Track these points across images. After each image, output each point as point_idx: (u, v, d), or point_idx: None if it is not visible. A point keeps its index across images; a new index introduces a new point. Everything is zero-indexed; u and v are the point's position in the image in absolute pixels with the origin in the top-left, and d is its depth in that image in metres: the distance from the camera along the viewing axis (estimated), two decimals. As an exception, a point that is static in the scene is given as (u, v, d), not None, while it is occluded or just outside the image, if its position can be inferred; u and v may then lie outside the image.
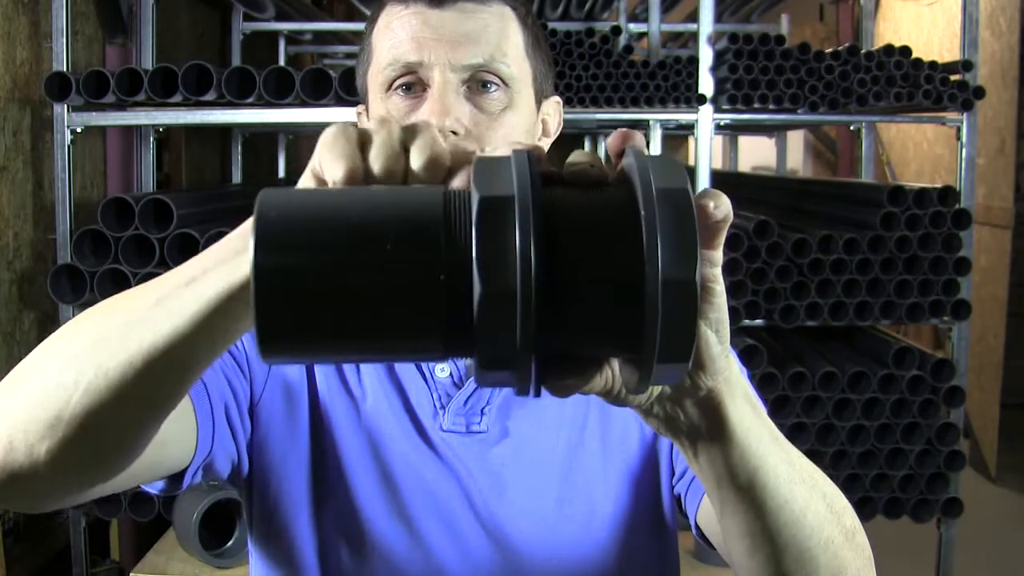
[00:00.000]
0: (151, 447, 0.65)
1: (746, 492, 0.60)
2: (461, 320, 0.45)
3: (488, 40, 0.84)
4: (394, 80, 0.85)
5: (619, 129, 0.53)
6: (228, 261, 0.57)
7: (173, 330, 0.56)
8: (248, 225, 0.57)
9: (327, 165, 0.53)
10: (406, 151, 0.53)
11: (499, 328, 0.44)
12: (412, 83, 0.85)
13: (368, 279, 0.46)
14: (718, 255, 0.53)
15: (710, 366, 0.54)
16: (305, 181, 0.55)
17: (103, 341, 0.58)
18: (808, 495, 0.63)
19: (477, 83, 0.84)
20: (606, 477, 0.91)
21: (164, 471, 0.78)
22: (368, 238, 0.46)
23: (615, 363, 0.54)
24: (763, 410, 0.62)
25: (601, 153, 4.15)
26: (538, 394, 0.48)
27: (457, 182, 0.53)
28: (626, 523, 0.90)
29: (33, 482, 0.60)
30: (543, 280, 0.44)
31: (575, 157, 0.51)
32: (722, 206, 0.51)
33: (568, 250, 0.46)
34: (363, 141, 0.53)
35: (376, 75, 0.87)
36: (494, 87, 0.85)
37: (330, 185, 0.53)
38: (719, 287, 0.53)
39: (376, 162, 0.52)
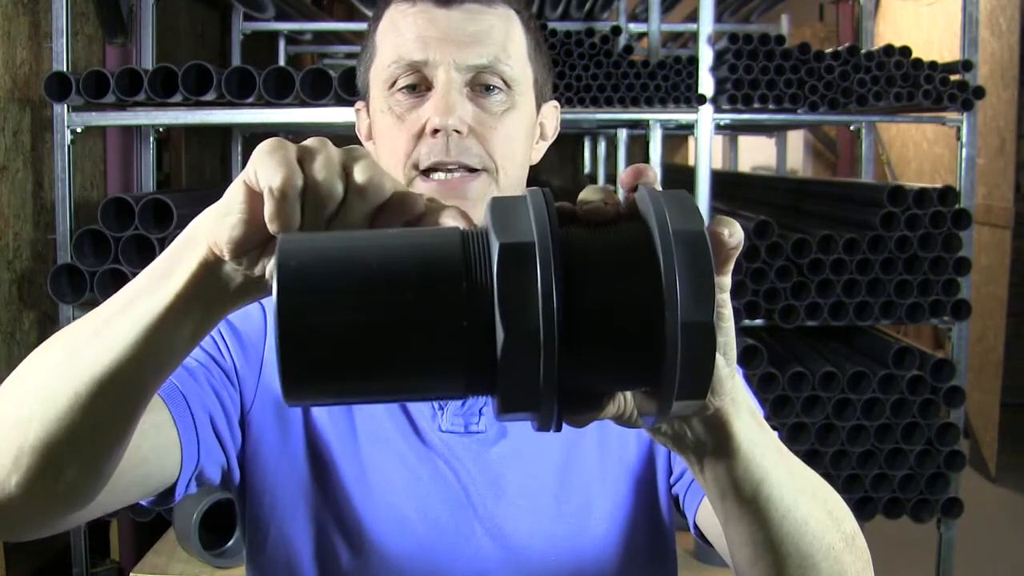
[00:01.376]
0: (132, 466, 0.66)
1: (750, 504, 0.61)
2: (483, 363, 0.46)
3: (493, 41, 0.85)
4: (397, 78, 0.85)
5: (632, 166, 0.53)
6: (157, 284, 0.57)
7: (114, 357, 0.57)
8: (180, 242, 0.57)
9: (264, 172, 0.52)
10: (346, 172, 0.53)
11: (522, 372, 0.45)
12: (416, 83, 0.85)
13: (390, 327, 0.46)
14: (727, 280, 0.53)
15: (718, 388, 0.55)
16: (235, 191, 0.54)
17: (52, 372, 0.59)
18: (810, 504, 0.63)
19: (480, 85, 0.85)
20: (603, 476, 0.91)
21: (152, 487, 0.78)
22: (389, 285, 0.47)
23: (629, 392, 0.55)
24: (764, 423, 0.63)
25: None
26: (559, 429, 0.49)
27: (449, 220, 0.53)
28: (624, 521, 0.91)
29: (10, 513, 0.61)
30: (564, 326, 0.45)
31: (588, 195, 0.51)
32: (736, 234, 0.51)
33: (588, 294, 0.46)
34: (301, 156, 0.53)
35: (379, 72, 0.87)
36: (497, 89, 0.85)
37: (265, 193, 0.52)
38: (727, 311, 0.54)
39: (319, 174, 0.52)
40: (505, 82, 0.85)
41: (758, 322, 2.48)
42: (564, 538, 0.89)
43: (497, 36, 0.85)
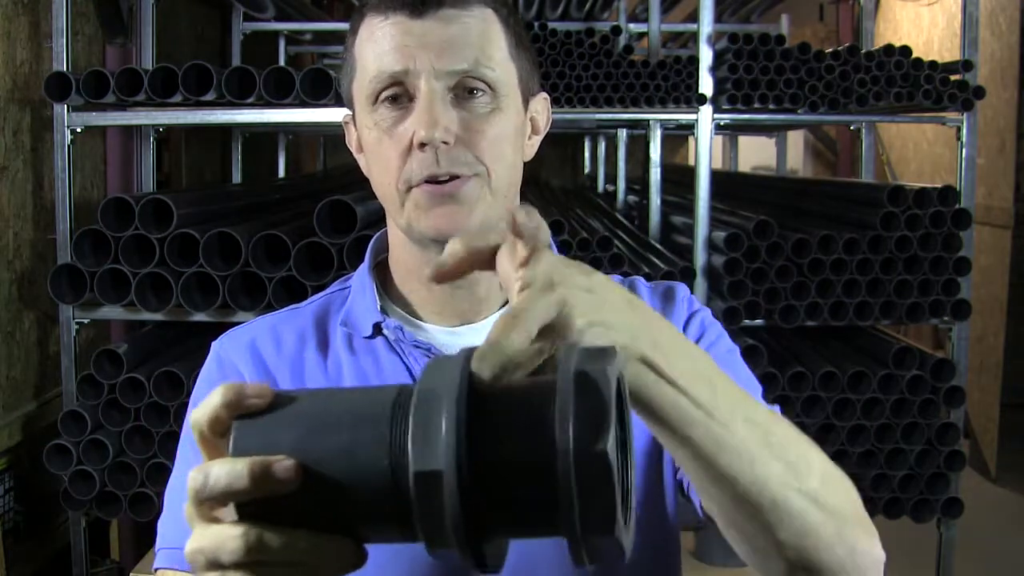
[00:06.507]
0: None
1: (707, 470, 0.64)
2: (406, 515, 0.51)
3: (472, 45, 0.83)
4: (379, 92, 0.84)
5: (521, 222, 0.57)
6: None
7: None
8: None
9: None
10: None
11: (431, 509, 0.49)
12: (398, 94, 0.84)
13: (336, 505, 0.52)
14: (533, 272, 0.57)
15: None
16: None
17: None
18: (768, 461, 0.64)
19: (463, 90, 0.84)
20: None
21: None
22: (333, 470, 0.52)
23: None
24: (715, 378, 0.63)
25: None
26: (485, 570, 0.51)
27: None
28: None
29: None
30: (468, 466, 0.48)
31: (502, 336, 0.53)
32: (532, 218, 0.56)
33: (493, 439, 0.50)
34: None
35: (362, 87, 0.86)
36: (480, 93, 0.84)
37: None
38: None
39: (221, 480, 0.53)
40: (488, 85, 0.84)
41: (758, 322, 2.48)
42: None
43: (475, 39, 0.84)
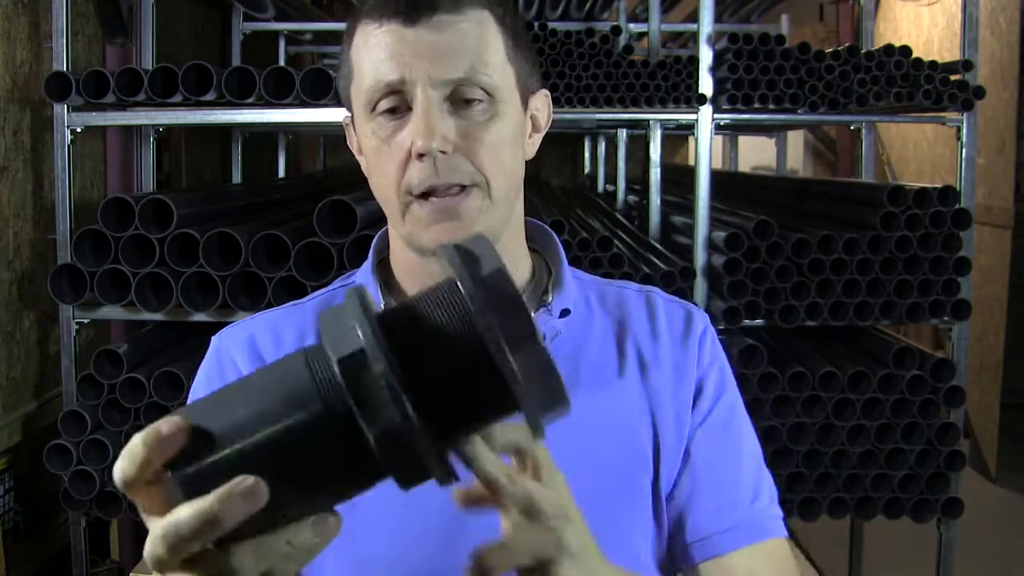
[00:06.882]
0: None
1: None
2: (366, 463, 0.51)
3: (467, 51, 0.82)
4: (377, 102, 0.84)
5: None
6: None
7: None
8: None
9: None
10: None
11: (402, 460, 0.51)
12: (396, 105, 0.83)
13: (287, 469, 0.52)
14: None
15: None
16: None
17: None
18: None
19: (460, 99, 0.83)
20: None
21: None
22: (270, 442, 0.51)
23: None
24: None
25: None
26: (458, 479, 0.54)
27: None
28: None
29: None
30: (417, 406, 0.50)
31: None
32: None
33: (426, 369, 0.52)
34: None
35: (359, 95, 0.86)
36: (478, 102, 0.83)
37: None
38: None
39: None
40: (485, 91, 0.83)
41: (758, 322, 2.48)
42: None
43: (472, 45, 0.83)
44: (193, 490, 0.51)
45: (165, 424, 0.52)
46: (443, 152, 0.81)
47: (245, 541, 0.52)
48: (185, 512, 0.50)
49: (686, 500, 0.91)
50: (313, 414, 0.51)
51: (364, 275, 0.96)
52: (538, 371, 0.51)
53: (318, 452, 0.51)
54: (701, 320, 0.97)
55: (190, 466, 0.52)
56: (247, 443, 0.51)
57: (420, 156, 0.82)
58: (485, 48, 0.84)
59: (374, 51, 0.83)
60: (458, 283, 0.52)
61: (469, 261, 0.53)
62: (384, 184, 0.86)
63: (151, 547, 0.52)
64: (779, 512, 0.94)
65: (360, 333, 0.50)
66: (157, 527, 0.52)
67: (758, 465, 0.94)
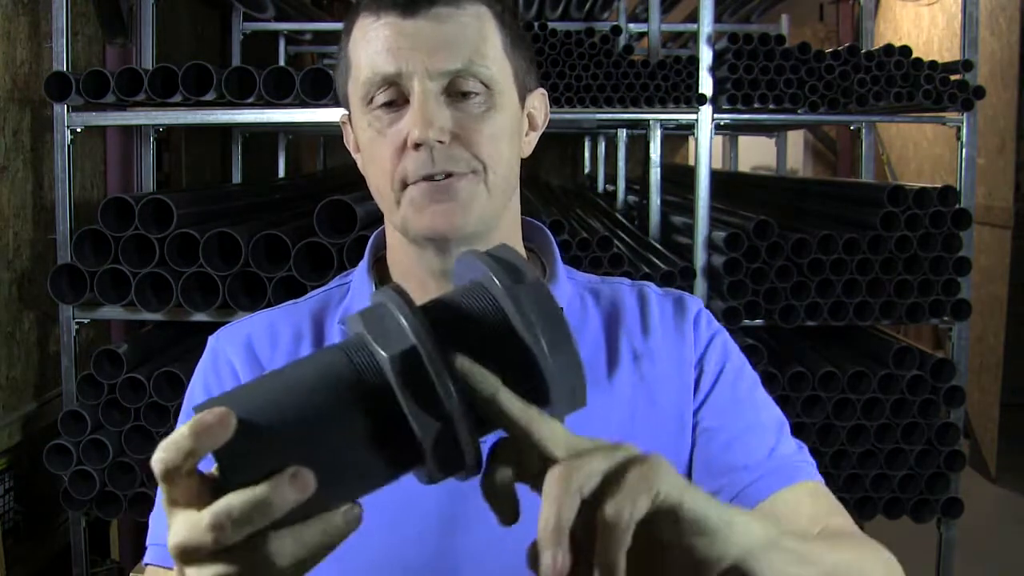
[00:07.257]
0: None
1: None
2: (405, 452, 0.54)
3: (465, 43, 0.82)
4: (374, 95, 0.83)
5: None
6: None
7: None
8: None
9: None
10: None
11: (446, 451, 0.53)
12: (393, 98, 0.83)
13: (332, 459, 0.53)
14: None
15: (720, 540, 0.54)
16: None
17: None
18: None
19: (457, 91, 0.83)
20: None
21: None
22: (317, 430, 0.53)
23: None
24: (785, 537, 0.60)
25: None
26: (476, 446, 0.54)
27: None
28: None
29: None
30: (434, 337, 0.53)
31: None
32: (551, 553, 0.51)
33: (445, 311, 0.56)
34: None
35: (356, 88, 0.86)
36: (475, 94, 0.83)
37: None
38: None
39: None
40: (483, 83, 0.83)
41: (758, 322, 2.48)
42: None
43: (470, 37, 0.83)
44: (240, 479, 0.51)
45: (211, 415, 0.51)
46: (440, 142, 0.81)
47: (282, 529, 0.52)
48: (237, 499, 0.50)
49: (708, 471, 0.89)
50: (359, 407, 0.53)
51: (360, 274, 0.96)
52: (568, 372, 0.55)
53: (360, 443, 0.53)
54: (694, 304, 0.96)
55: (237, 456, 0.52)
56: (293, 434, 0.52)
57: (416, 146, 0.81)
58: (483, 41, 0.84)
59: (372, 44, 0.83)
60: (499, 285, 0.55)
61: (506, 266, 0.56)
62: (378, 174, 0.85)
63: (188, 535, 0.51)
64: (811, 459, 0.93)
65: (408, 329, 0.53)
66: (190, 518, 0.51)
67: (778, 422, 0.92)
